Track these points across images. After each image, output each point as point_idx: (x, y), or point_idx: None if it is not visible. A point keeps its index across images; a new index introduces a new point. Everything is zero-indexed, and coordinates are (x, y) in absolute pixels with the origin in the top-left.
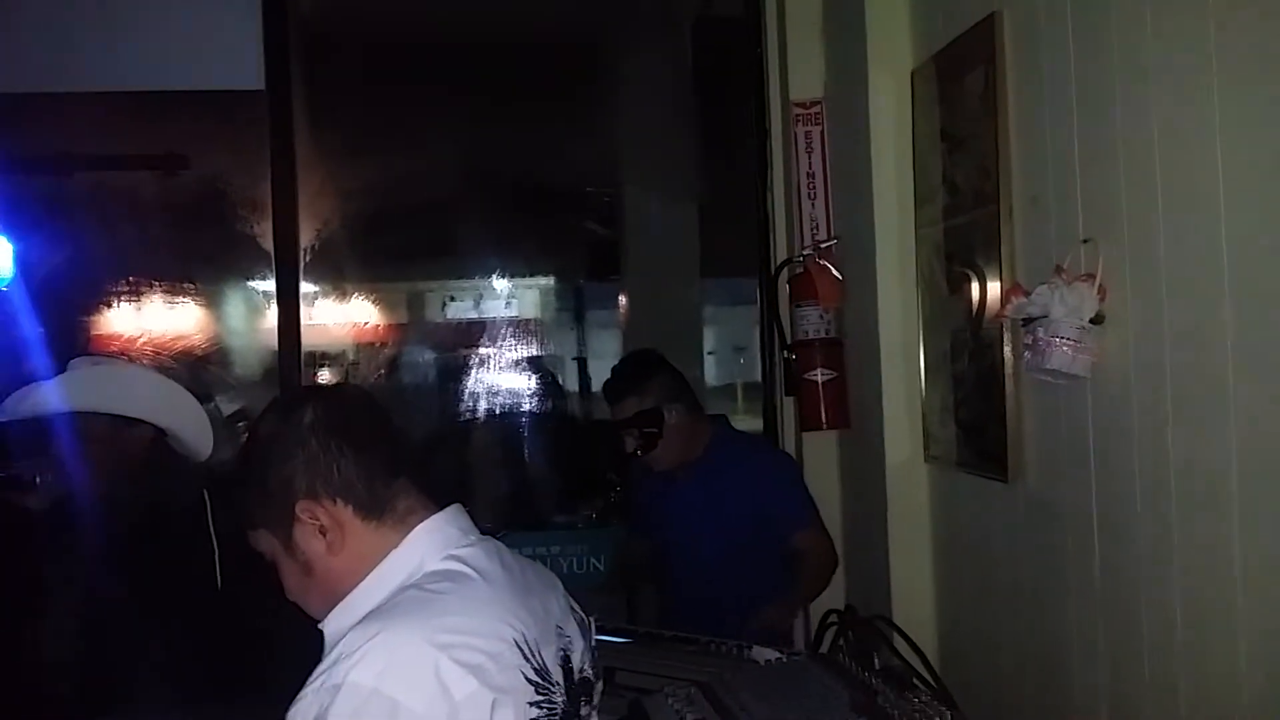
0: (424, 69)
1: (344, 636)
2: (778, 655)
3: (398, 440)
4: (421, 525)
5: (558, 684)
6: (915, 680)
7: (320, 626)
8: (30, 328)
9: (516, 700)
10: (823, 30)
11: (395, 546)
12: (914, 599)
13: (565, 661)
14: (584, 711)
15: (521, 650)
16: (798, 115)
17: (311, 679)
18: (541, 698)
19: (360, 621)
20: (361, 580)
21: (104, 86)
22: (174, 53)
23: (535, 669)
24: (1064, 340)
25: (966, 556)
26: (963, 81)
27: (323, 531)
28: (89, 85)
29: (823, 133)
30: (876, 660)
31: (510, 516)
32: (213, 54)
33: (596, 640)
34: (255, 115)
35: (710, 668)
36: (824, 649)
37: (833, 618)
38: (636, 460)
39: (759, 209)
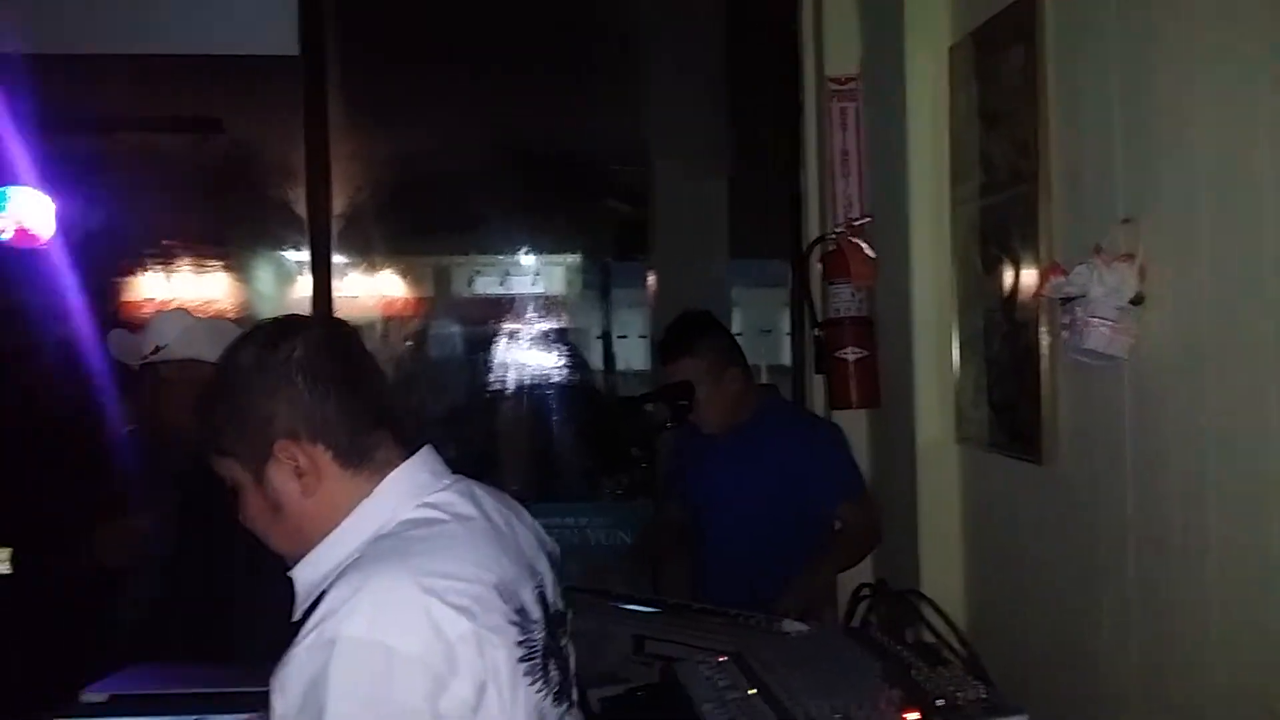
0: (457, 39)
1: (319, 589)
2: (806, 628)
3: (382, 387)
4: (392, 474)
5: (537, 621)
6: (947, 655)
7: (290, 574)
8: (69, 286)
9: (504, 640)
10: (859, 4)
11: (367, 496)
12: (942, 579)
13: (541, 598)
14: (563, 642)
15: (501, 594)
16: (833, 91)
17: (300, 638)
18: (524, 637)
19: (341, 576)
20: (332, 528)
21: (143, 49)
22: (212, 17)
23: (515, 610)
24: (1102, 320)
25: (996, 538)
26: (1002, 57)
27: (299, 474)
28: (128, 48)
29: (858, 109)
30: (908, 635)
31: (536, 488)
32: (250, 19)
33: (621, 606)
34: (290, 81)
35: (740, 638)
36: (854, 623)
37: (865, 591)
38: (675, 426)
39: (792, 186)
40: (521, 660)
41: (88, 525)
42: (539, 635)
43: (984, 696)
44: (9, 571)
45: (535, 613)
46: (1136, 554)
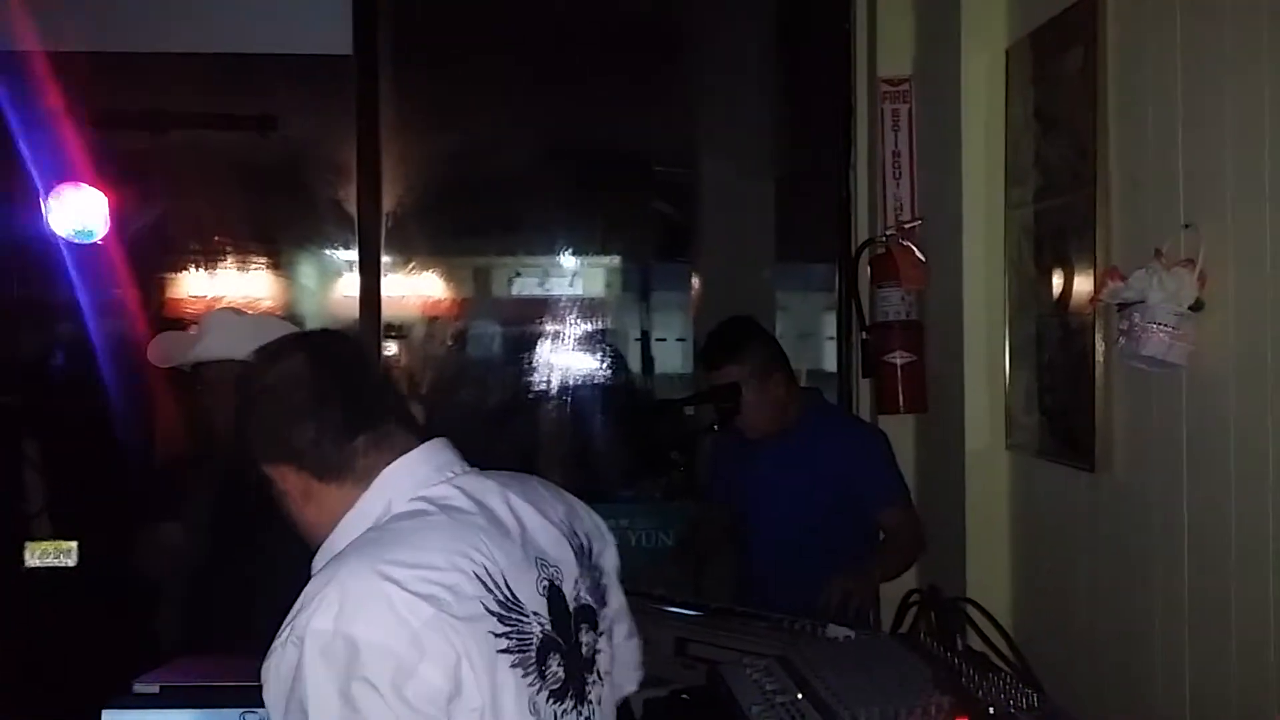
0: (507, 40)
1: None
2: (852, 633)
3: (360, 398)
4: (389, 469)
5: (534, 614)
6: (997, 663)
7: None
8: (121, 282)
9: (476, 629)
10: (914, 5)
11: (359, 499)
12: (990, 586)
13: (550, 591)
14: (585, 638)
15: (483, 582)
16: (885, 92)
17: (280, 633)
18: (508, 628)
19: (320, 570)
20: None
21: (199, 48)
22: (267, 16)
23: (499, 600)
24: (1160, 327)
25: (1046, 545)
26: (1061, 60)
27: (285, 492)
28: (184, 46)
29: (910, 110)
30: (959, 642)
31: (575, 488)
32: (304, 19)
33: (663, 609)
34: (343, 81)
35: (785, 643)
36: (902, 630)
37: (915, 597)
38: (722, 429)
39: (841, 188)
40: (505, 651)
41: (129, 529)
42: (533, 628)
43: (1036, 705)
44: (74, 564)
45: (534, 605)
46: (1191, 566)
